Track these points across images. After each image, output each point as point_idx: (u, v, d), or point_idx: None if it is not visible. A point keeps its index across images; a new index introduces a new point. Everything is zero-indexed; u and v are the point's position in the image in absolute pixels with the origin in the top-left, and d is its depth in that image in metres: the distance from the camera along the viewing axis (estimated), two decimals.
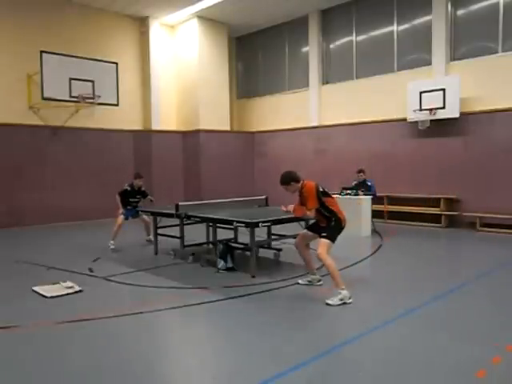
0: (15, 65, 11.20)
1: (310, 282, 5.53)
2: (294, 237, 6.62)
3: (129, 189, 8.30)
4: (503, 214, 9.57)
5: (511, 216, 9.45)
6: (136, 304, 4.91)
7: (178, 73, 14.42)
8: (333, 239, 5.05)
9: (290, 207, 5.29)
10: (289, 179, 5.21)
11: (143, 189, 8.51)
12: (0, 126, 10.91)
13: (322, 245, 4.97)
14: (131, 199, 8.31)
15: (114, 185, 12.82)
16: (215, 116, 14.15)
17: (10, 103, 11.14)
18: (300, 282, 5.57)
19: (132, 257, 7.47)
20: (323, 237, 5.02)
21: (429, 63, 10.96)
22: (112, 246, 7.97)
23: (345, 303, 4.76)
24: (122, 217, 8.12)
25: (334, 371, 3.29)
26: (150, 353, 3.66)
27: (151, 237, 8.20)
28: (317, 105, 13.34)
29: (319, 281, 5.52)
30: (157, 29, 13.78)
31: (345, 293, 4.81)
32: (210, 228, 7.74)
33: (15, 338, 4.02)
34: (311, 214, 5.10)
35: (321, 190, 5.12)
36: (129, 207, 8.28)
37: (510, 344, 3.68)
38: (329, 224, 5.10)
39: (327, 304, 4.73)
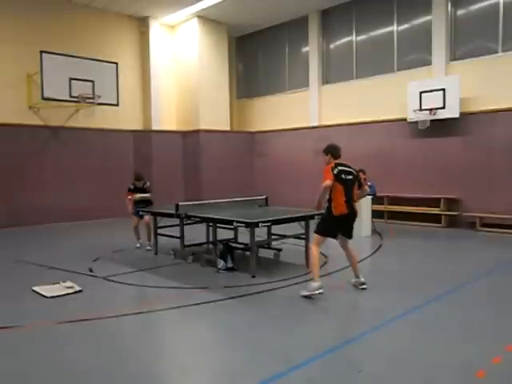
0: (15, 65, 11.20)
1: (353, 285, 5.41)
2: (294, 237, 6.66)
3: (132, 187, 8.31)
4: (503, 214, 9.57)
5: (511, 216, 9.46)
6: (136, 304, 4.91)
7: (177, 73, 14.42)
8: (321, 232, 5.16)
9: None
10: (325, 149, 5.43)
11: (145, 186, 8.38)
12: (0, 126, 10.92)
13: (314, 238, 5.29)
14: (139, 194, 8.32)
15: (114, 185, 12.91)
16: (215, 116, 14.15)
17: (10, 103, 11.14)
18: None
19: (132, 257, 7.47)
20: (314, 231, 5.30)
21: (429, 63, 10.96)
22: (138, 245, 8.18)
23: (312, 294, 4.92)
24: (135, 218, 8.15)
25: (335, 371, 3.29)
26: (149, 353, 3.67)
27: (151, 245, 7.98)
28: (317, 105, 13.34)
29: (362, 284, 5.34)
30: (157, 29, 13.78)
31: (314, 285, 4.94)
32: (210, 228, 7.74)
33: (15, 337, 4.02)
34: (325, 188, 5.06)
35: (339, 174, 5.12)
36: (140, 205, 8.22)
37: (510, 344, 3.68)
38: (323, 214, 5.28)
39: (302, 295, 4.96)
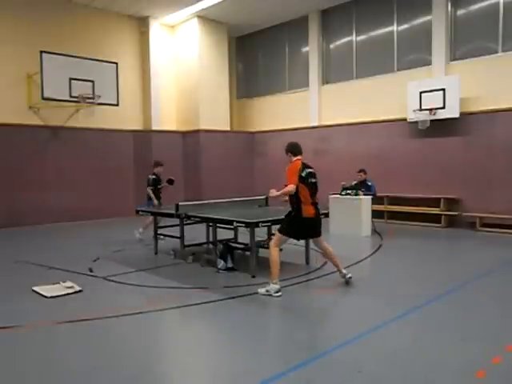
0: (15, 65, 11.19)
1: (343, 279, 5.49)
2: None
3: (155, 177, 8.76)
4: (503, 213, 9.57)
5: (511, 216, 9.45)
6: (136, 304, 4.91)
7: (178, 73, 14.42)
8: (285, 232, 5.22)
9: (273, 191, 5.37)
10: (287, 148, 5.43)
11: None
12: (0, 126, 10.91)
13: (274, 237, 5.37)
14: (159, 186, 8.81)
15: (114, 185, 12.93)
16: (215, 116, 14.15)
17: (10, 103, 11.14)
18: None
19: (132, 257, 7.46)
20: (277, 230, 5.35)
21: (429, 63, 10.96)
22: (139, 235, 8.48)
23: (270, 295, 5.00)
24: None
25: (334, 371, 3.29)
26: (149, 353, 3.67)
27: (142, 236, 8.52)
28: (317, 105, 13.34)
29: (345, 275, 5.44)
30: (157, 29, 13.78)
31: (273, 286, 5.05)
32: (210, 228, 7.74)
33: (15, 337, 4.01)
34: (290, 189, 5.10)
35: (303, 175, 5.16)
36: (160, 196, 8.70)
37: (510, 344, 3.69)
38: (289, 214, 5.29)
39: (258, 292, 5.11)
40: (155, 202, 8.52)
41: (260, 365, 3.38)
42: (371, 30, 12.17)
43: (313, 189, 5.25)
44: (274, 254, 5.18)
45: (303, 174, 5.16)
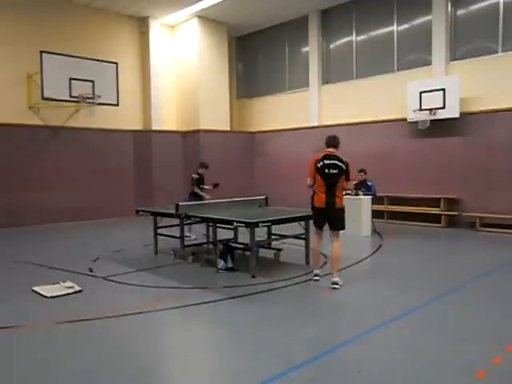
0: (15, 65, 11.19)
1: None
2: (294, 237, 6.67)
3: (199, 177, 8.98)
4: (503, 213, 9.57)
5: (511, 216, 9.45)
6: (136, 304, 4.91)
7: (178, 73, 14.42)
8: (314, 223, 5.66)
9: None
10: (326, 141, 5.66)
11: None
12: (0, 126, 10.91)
13: None
14: (200, 186, 9.02)
15: (114, 185, 12.93)
16: (215, 116, 14.15)
17: (10, 103, 11.13)
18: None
19: (132, 257, 7.46)
20: None
21: (429, 63, 10.96)
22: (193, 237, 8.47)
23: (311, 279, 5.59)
24: None
25: (335, 371, 3.29)
26: (149, 353, 3.67)
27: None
28: (317, 105, 13.34)
29: (333, 284, 5.36)
30: (157, 29, 13.78)
31: (314, 271, 5.64)
32: (210, 228, 7.74)
33: (15, 337, 4.02)
34: (307, 181, 5.55)
35: (319, 165, 5.35)
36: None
37: (510, 344, 3.69)
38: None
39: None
40: (206, 196, 8.73)
41: (260, 365, 3.38)
42: (371, 29, 12.17)
43: (329, 179, 5.33)
44: (312, 244, 5.73)
45: (318, 165, 5.36)
